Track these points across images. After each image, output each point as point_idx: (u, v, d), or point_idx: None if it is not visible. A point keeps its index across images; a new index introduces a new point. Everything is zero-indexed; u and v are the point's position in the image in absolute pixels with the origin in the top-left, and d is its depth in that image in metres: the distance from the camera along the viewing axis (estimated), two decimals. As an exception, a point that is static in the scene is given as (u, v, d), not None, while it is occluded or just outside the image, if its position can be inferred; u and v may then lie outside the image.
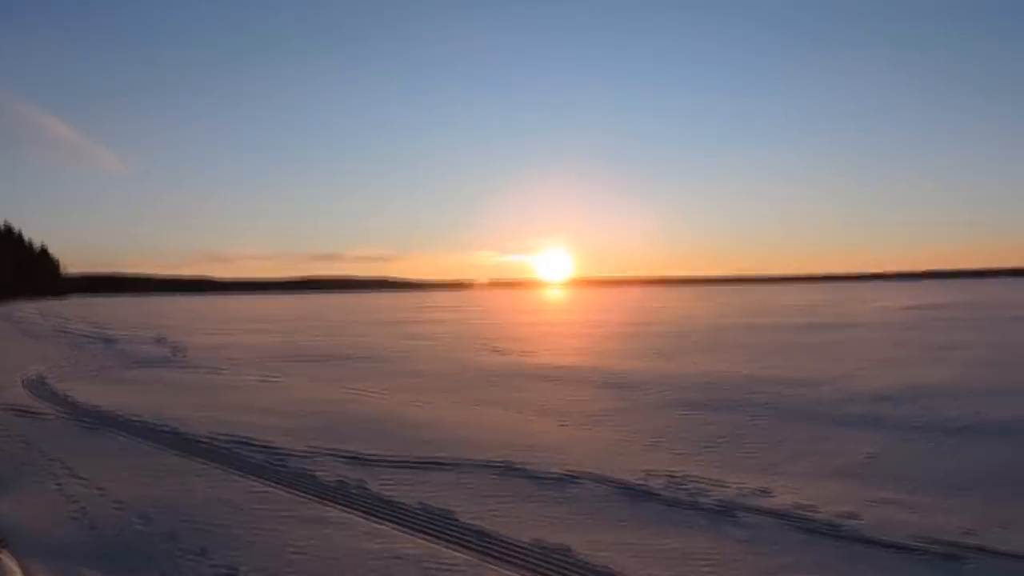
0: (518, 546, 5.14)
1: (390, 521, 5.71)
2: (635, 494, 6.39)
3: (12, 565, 4.24)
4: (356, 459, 7.69)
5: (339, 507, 6.09)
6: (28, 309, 71.48)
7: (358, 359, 18.76)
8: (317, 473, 7.14)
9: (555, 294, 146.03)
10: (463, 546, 5.15)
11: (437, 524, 5.63)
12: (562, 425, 9.65)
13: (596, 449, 8.15)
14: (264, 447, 8.25)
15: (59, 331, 34.34)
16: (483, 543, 5.21)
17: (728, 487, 6.44)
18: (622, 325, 33.71)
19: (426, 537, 5.34)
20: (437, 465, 7.46)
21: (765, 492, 6.28)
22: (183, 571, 4.69)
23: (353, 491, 6.55)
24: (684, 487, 6.52)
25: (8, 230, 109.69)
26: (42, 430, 9.44)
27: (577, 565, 4.77)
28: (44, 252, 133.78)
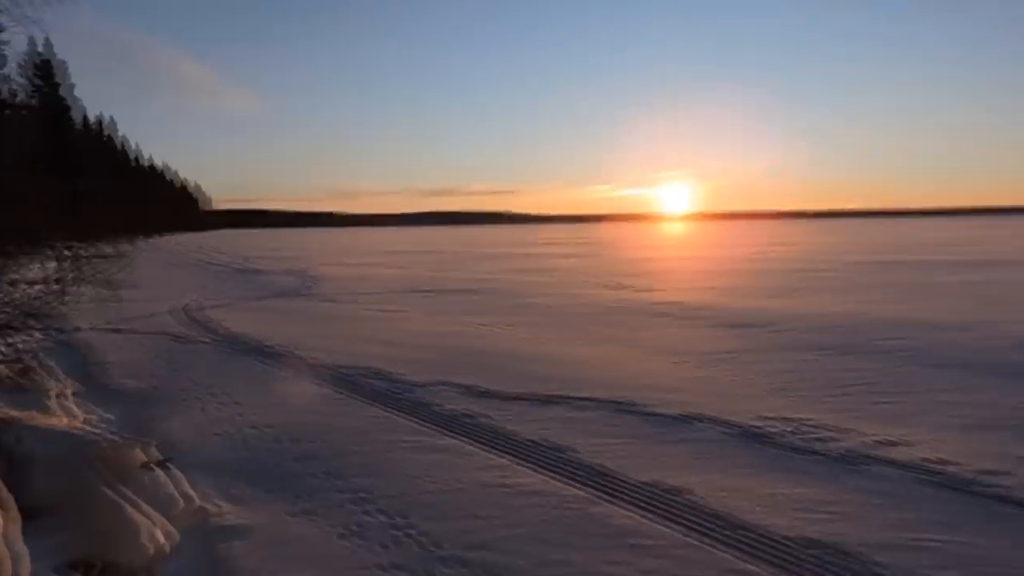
0: (633, 485, 5.22)
1: (509, 454, 5.94)
2: (753, 438, 6.29)
3: (178, 476, 4.78)
4: (476, 392, 7.99)
5: (461, 438, 6.39)
6: (178, 243, 77.91)
7: (476, 293, 19.24)
8: (440, 404, 7.49)
9: (676, 228, 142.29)
10: (579, 482, 5.30)
11: (554, 459, 5.80)
12: (680, 364, 9.55)
13: (715, 390, 8.04)
14: (390, 377, 8.72)
15: (206, 263, 37.25)
16: (598, 480, 5.33)
17: (854, 436, 6.21)
18: (746, 261, 32.50)
19: (543, 471, 5.53)
20: (554, 401, 7.63)
21: (895, 443, 6.00)
22: (318, 491, 5.12)
23: (473, 423, 6.84)
24: (805, 433, 6.34)
25: (161, 170, 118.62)
26: (196, 356, 10.40)
27: (691, 508, 4.80)
28: (192, 189, 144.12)
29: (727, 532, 4.45)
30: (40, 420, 4.82)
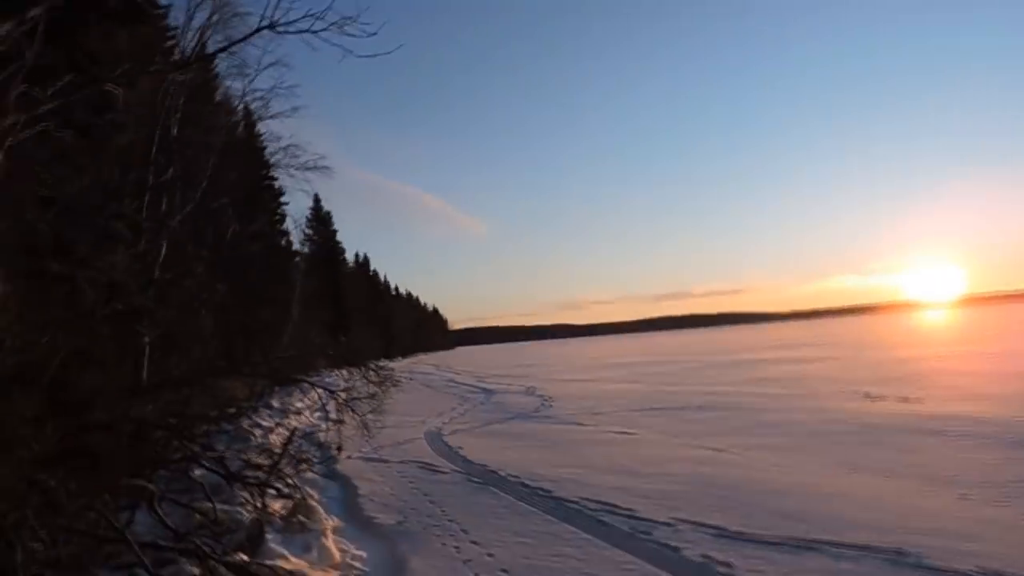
0: (925, 669, 4.37)
1: (765, 616, 5.32)
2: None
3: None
4: (720, 534, 7.39)
5: (708, 592, 5.87)
6: (425, 362, 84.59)
7: (711, 409, 18.31)
8: (682, 549, 7.01)
9: (939, 318, 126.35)
10: (854, 660, 4.56)
11: (819, 626, 5.08)
12: (965, 499, 8.14)
13: (1017, 537, 6.68)
14: (628, 515, 8.38)
15: (449, 383, 39.82)
16: (879, 659, 4.55)
17: None
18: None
19: (808, 642, 4.85)
20: (810, 547, 6.81)
21: None
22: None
23: (720, 574, 6.29)
24: None
25: (408, 295, 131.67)
26: (440, 487, 10.86)
27: None
28: (434, 311, 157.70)
29: None
30: (311, 571, 5.25)
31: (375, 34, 6.58)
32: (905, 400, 17.10)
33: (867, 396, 18.63)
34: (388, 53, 7.27)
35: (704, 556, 6.73)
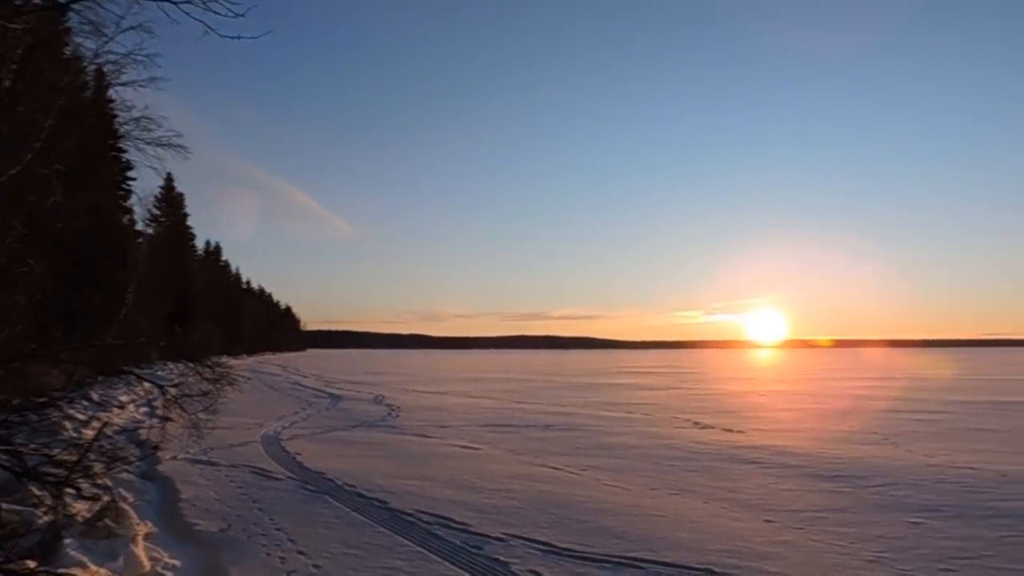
0: None
1: (580, 632, 5.49)
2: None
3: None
4: (549, 550, 7.57)
5: (530, 608, 5.97)
6: (272, 362, 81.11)
7: (556, 428, 18.81)
8: (511, 564, 7.10)
9: (766, 357, 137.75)
10: (657, 675, 4.79)
11: (630, 642, 5.30)
12: (771, 524, 8.83)
13: (809, 558, 7.33)
14: (462, 528, 8.41)
15: (294, 386, 38.36)
16: (679, 674, 4.81)
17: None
18: (841, 397, 30.77)
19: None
20: (631, 563, 7.12)
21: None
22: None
23: (545, 589, 6.42)
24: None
25: (260, 291, 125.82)
26: (272, 493, 10.40)
27: None
28: (288, 310, 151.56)
29: None
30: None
31: (242, 15, 6.18)
32: (729, 431, 18.39)
33: (696, 424, 19.88)
34: (254, 37, 6.81)
35: (531, 571, 6.86)
